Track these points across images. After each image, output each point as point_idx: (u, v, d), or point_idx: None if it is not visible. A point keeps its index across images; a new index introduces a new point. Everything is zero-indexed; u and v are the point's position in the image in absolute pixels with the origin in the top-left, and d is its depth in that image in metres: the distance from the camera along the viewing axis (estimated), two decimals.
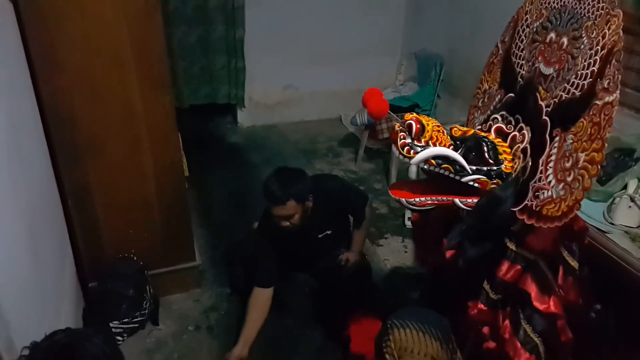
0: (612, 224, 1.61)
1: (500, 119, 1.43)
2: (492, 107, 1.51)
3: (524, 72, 1.41)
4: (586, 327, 1.43)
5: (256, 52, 3.90)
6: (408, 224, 2.89)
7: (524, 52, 1.43)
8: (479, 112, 1.67)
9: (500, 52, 1.56)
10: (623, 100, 2.02)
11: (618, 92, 1.09)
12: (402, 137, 1.27)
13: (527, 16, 1.45)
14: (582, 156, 1.14)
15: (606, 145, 1.09)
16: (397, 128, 1.30)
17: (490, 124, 1.47)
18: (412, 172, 2.94)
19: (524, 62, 1.42)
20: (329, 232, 2.21)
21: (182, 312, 2.32)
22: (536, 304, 1.26)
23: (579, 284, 1.36)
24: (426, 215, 1.78)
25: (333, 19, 3.96)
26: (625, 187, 1.69)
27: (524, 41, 1.45)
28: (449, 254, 1.38)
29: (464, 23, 3.29)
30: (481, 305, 1.35)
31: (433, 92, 3.43)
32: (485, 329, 1.38)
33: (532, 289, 1.27)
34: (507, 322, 1.32)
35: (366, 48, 4.01)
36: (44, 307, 1.62)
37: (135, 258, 2.21)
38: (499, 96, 1.50)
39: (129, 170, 2.08)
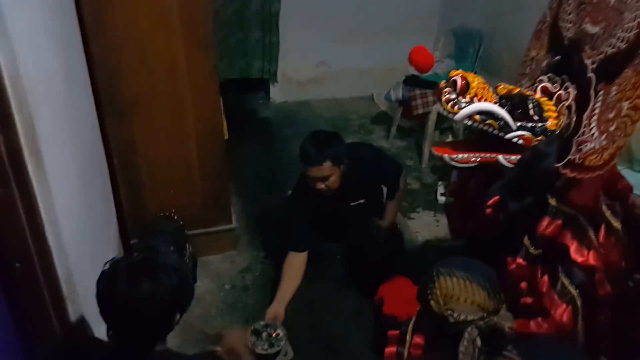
0: None
1: (546, 79, 1.43)
2: (539, 72, 1.50)
3: (570, 34, 1.41)
4: (624, 293, 1.43)
5: (290, 27, 3.91)
6: (440, 199, 2.89)
7: (571, 15, 1.42)
8: (526, 78, 1.66)
9: (548, 18, 1.55)
10: None
11: None
12: (446, 92, 1.29)
13: None
14: (625, 105, 1.16)
15: None
16: (442, 85, 1.31)
17: (536, 85, 1.47)
18: None
19: (570, 25, 1.41)
20: (362, 201, 2.22)
21: (219, 272, 2.39)
22: (574, 256, 1.27)
23: (622, 246, 1.36)
24: (465, 183, 1.78)
25: None
26: None
27: (571, 5, 1.44)
28: (489, 210, 1.39)
29: (505, 0, 3.24)
30: (520, 260, 1.36)
31: (470, 69, 3.39)
32: (524, 284, 1.39)
33: (572, 242, 1.28)
34: (545, 276, 1.33)
35: (401, 25, 3.97)
36: (94, 254, 1.69)
37: (175, 217, 2.28)
38: (546, 61, 1.50)
39: (172, 130, 2.14)
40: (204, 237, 2.41)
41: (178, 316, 1.15)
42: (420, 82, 3.27)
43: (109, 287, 1.07)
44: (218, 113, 2.20)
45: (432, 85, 3.20)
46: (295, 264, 2.09)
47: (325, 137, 1.99)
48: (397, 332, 1.65)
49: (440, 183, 2.98)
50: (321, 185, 1.96)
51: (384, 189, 2.34)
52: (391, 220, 2.33)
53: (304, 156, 1.93)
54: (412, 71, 3.38)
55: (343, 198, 2.13)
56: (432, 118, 3.16)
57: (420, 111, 3.20)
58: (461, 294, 1.08)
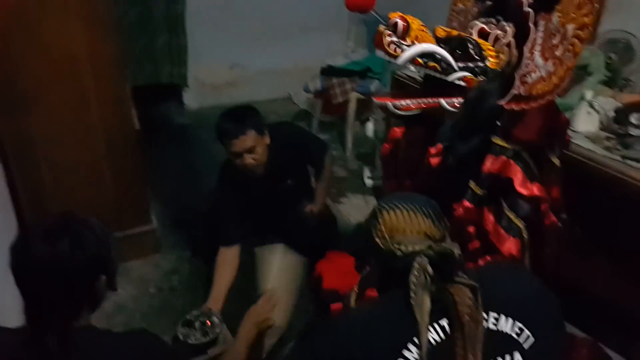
0: (574, 131, 1.69)
1: (480, 23, 1.44)
2: (470, 20, 1.51)
3: None
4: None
5: (199, 29, 3.79)
6: (368, 182, 2.90)
7: None
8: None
9: None
10: None
11: None
12: (388, 35, 1.25)
13: None
14: (570, 27, 1.18)
15: (597, 7, 1.14)
16: (381, 29, 1.28)
17: (470, 31, 1.48)
18: (369, 131, 2.98)
19: None
20: (289, 181, 2.15)
21: (142, 277, 2.20)
22: (519, 189, 1.27)
23: (561, 183, 1.40)
24: (396, 144, 1.77)
25: None
26: (582, 98, 1.78)
27: None
28: (435, 160, 1.36)
29: None
30: (467, 203, 1.34)
31: None
32: (471, 228, 1.37)
33: (516, 175, 1.28)
34: (490, 215, 1.32)
35: (313, 22, 3.99)
36: None
37: None
38: (475, 9, 1.51)
39: (75, 124, 1.95)
40: (122, 241, 2.19)
41: (103, 279, 1.02)
42: (337, 72, 3.29)
43: (25, 249, 0.96)
44: (126, 102, 2.04)
45: (348, 73, 3.24)
46: (228, 259, 1.95)
47: (241, 109, 1.91)
48: (339, 304, 1.58)
49: (365, 167, 2.99)
50: (249, 159, 1.86)
51: (311, 172, 2.28)
52: (322, 203, 2.26)
53: (225, 131, 1.82)
54: (329, 62, 3.40)
55: (270, 179, 2.04)
56: (352, 105, 3.18)
57: (340, 99, 3.21)
58: (406, 225, 1.03)
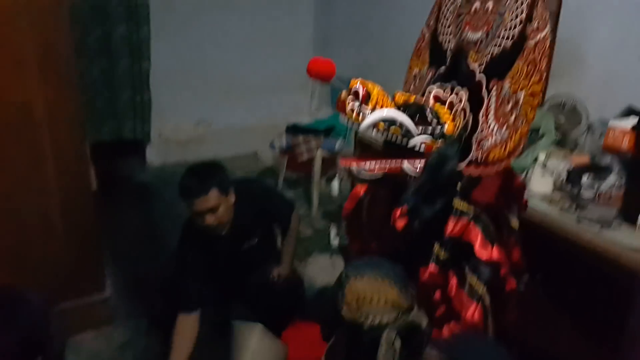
0: (530, 194, 1.72)
1: (435, 88, 1.48)
2: (425, 85, 1.55)
3: (452, 45, 1.48)
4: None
5: (165, 85, 3.78)
6: (334, 242, 2.85)
7: (450, 28, 1.49)
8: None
9: (427, 35, 1.62)
10: None
11: (548, 27, 1.18)
12: (349, 102, 1.28)
13: None
14: (522, 94, 1.22)
15: (545, 75, 1.17)
16: (343, 96, 1.31)
17: (426, 95, 1.51)
18: (334, 190, 2.97)
19: (451, 37, 1.48)
20: (254, 242, 2.08)
21: (93, 352, 2.03)
22: (479, 253, 1.27)
23: (520, 246, 1.40)
24: (359, 204, 1.75)
25: (242, 53, 3.99)
26: (535, 160, 1.82)
27: (449, 18, 1.52)
28: (400, 223, 1.34)
29: (370, 52, 3.49)
30: (432, 268, 1.31)
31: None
32: (437, 294, 1.34)
33: (475, 239, 1.28)
34: (453, 279, 1.30)
35: (278, 81, 4.06)
36: None
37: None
38: (430, 74, 1.55)
39: (28, 184, 1.85)
40: (73, 312, 2.04)
41: None
42: (302, 130, 3.31)
43: None
44: (84, 163, 1.96)
45: (313, 132, 3.26)
46: (186, 327, 1.84)
47: (206, 167, 1.86)
48: None
49: (332, 226, 2.95)
50: (211, 219, 1.79)
51: (277, 232, 2.22)
52: (288, 266, 2.19)
53: (187, 189, 1.77)
54: (294, 120, 3.44)
55: (234, 239, 1.97)
56: (318, 162, 3.18)
57: (305, 157, 3.21)
58: (374, 294, 1.01)
